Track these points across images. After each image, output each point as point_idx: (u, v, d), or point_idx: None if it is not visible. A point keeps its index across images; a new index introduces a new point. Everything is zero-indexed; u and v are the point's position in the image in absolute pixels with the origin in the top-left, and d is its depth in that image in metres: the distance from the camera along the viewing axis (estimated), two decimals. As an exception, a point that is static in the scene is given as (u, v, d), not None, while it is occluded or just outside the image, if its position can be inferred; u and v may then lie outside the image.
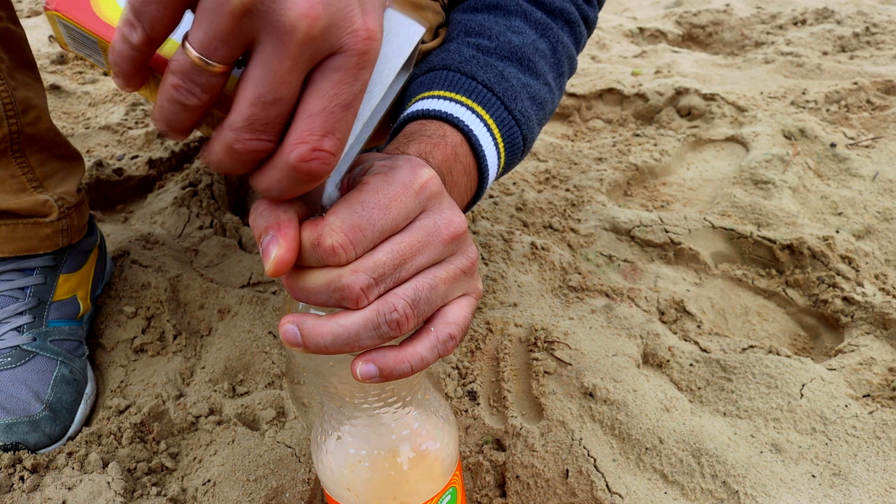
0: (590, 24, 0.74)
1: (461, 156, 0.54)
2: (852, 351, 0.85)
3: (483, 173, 0.58)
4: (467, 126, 0.56)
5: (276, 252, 0.34)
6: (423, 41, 0.37)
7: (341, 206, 0.35)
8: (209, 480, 0.70)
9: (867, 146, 1.31)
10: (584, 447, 0.71)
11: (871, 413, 0.73)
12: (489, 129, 0.58)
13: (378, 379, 0.37)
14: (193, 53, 0.29)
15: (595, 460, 0.70)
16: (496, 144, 0.59)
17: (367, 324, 0.35)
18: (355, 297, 0.35)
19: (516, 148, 0.62)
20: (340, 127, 0.31)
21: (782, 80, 1.64)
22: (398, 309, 0.35)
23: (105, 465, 0.70)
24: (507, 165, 0.63)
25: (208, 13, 0.28)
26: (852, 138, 1.33)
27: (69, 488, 0.67)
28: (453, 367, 0.83)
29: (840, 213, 1.13)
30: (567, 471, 0.70)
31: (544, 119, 0.68)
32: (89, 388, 0.81)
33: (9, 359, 0.76)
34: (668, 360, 0.84)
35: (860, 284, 0.95)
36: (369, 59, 0.30)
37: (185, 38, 0.30)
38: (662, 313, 0.94)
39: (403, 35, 0.36)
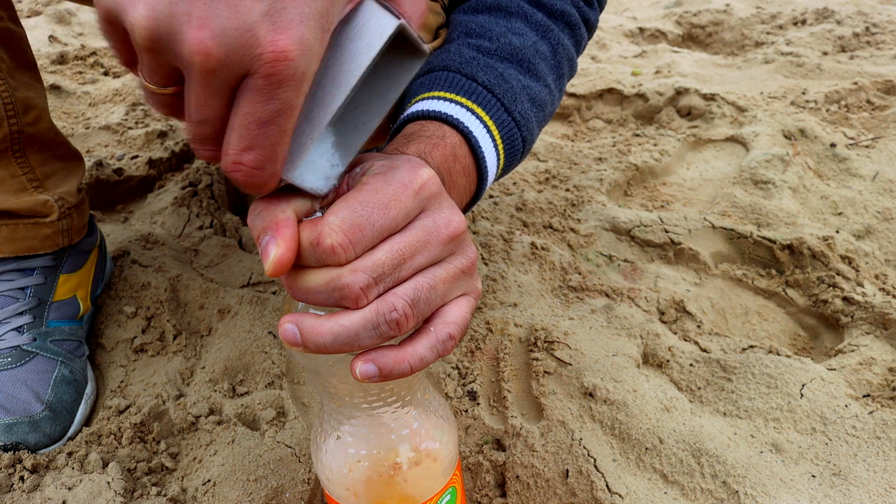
0: (590, 27, 0.74)
1: (460, 157, 0.54)
2: (852, 351, 0.85)
3: (482, 174, 0.58)
4: (467, 127, 0.56)
5: (274, 252, 0.34)
6: (403, 33, 0.35)
7: (340, 205, 0.36)
8: (209, 480, 0.70)
9: (867, 146, 1.31)
10: (584, 447, 0.71)
11: (871, 413, 0.73)
12: (489, 131, 0.58)
13: (377, 378, 0.37)
14: (140, 78, 0.32)
15: (595, 460, 0.70)
16: (495, 146, 0.59)
17: (367, 323, 0.35)
18: (355, 296, 0.35)
19: (515, 149, 0.62)
20: (260, 142, 0.32)
21: (782, 80, 1.64)
22: (398, 308, 0.35)
23: (105, 465, 0.70)
24: (507, 167, 0.63)
25: (134, 47, 0.30)
26: (852, 138, 1.33)
27: (69, 488, 0.67)
28: (453, 367, 0.83)
29: (840, 213, 1.13)
30: (567, 471, 0.70)
31: (544, 121, 0.68)
32: (89, 388, 0.81)
33: (9, 359, 0.76)
34: (668, 360, 0.84)
35: (860, 284, 0.95)
36: (282, 78, 0.30)
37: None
38: (662, 313, 0.94)
39: (374, 31, 0.34)
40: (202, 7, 0.28)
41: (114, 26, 0.30)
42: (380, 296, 0.36)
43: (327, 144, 0.38)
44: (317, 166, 0.37)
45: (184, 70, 0.30)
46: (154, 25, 0.28)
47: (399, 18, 0.34)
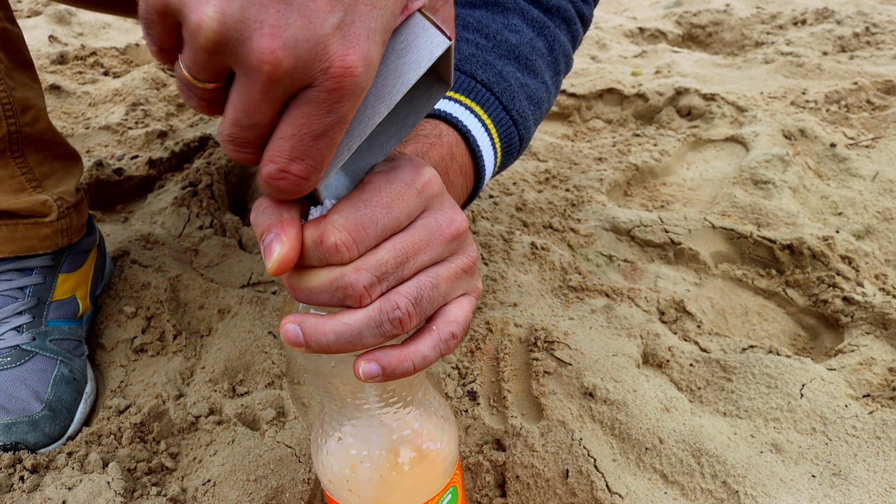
0: (586, 22, 0.74)
1: (457, 155, 0.55)
2: (852, 351, 0.85)
3: (479, 173, 0.58)
4: (465, 126, 0.56)
5: (279, 250, 0.34)
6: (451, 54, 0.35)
7: (344, 204, 0.35)
8: (209, 480, 0.70)
9: (867, 146, 1.31)
10: (584, 447, 0.71)
11: (871, 413, 0.73)
12: (487, 129, 0.58)
13: (381, 378, 0.37)
14: (184, 71, 0.30)
15: (595, 460, 0.70)
16: (493, 144, 0.59)
17: (370, 322, 0.35)
18: (358, 295, 0.35)
19: (512, 148, 0.62)
20: (311, 154, 0.32)
21: (782, 80, 1.64)
22: (401, 307, 0.35)
23: (105, 465, 0.70)
24: (503, 165, 0.63)
25: (187, 43, 0.29)
26: (852, 138, 1.33)
27: (69, 488, 0.67)
28: (453, 367, 0.83)
29: (840, 213, 1.13)
30: (567, 471, 0.69)
31: (540, 118, 0.68)
32: (89, 388, 0.81)
33: (8, 358, 0.76)
34: (668, 360, 0.84)
35: (860, 284, 0.95)
36: (344, 93, 0.30)
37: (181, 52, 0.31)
38: (662, 313, 0.94)
39: (424, 48, 0.33)
40: (275, 15, 0.28)
41: (164, 18, 0.29)
42: (382, 294, 0.36)
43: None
44: (333, 178, 0.37)
45: (243, 74, 0.29)
46: (223, 30, 0.27)
47: (449, 39, 0.33)
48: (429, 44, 0.33)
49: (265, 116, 0.31)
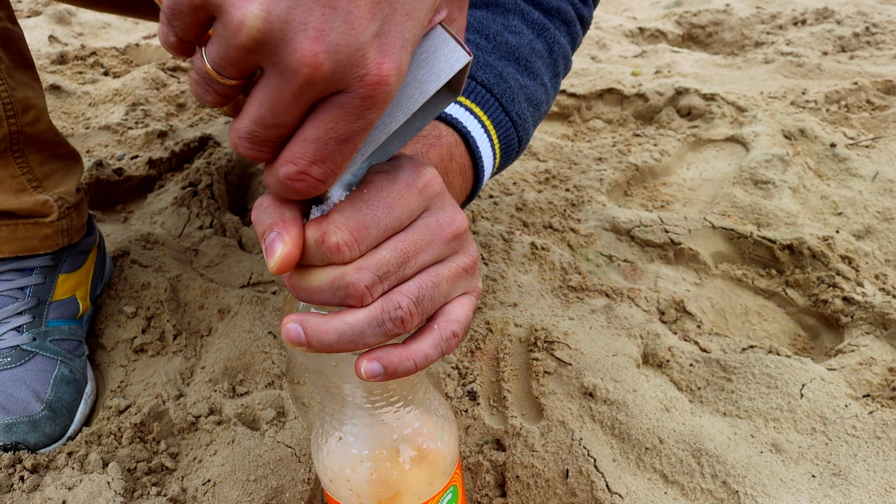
0: (585, 24, 0.74)
1: (457, 156, 0.55)
2: (852, 351, 0.85)
3: (478, 174, 0.58)
4: (465, 127, 0.56)
5: (281, 249, 0.34)
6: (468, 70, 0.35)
7: (346, 204, 0.36)
8: (209, 480, 0.70)
9: (867, 146, 1.31)
10: (584, 447, 0.71)
11: (871, 413, 0.73)
12: (486, 131, 0.58)
13: (382, 377, 0.37)
14: (208, 65, 0.30)
15: (595, 460, 0.70)
16: (492, 145, 0.59)
17: (372, 321, 0.35)
18: (360, 294, 0.35)
19: (511, 149, 0.63)
20: (333, 157, 0.32)
21: (782, 80, 1.64)
22: (402, 306, 0.35)
23: (105, 465, 0.70)
24: (502, 165, 0.63)
25: (221, 38, 0.29)
26: (852, 138, 1.33)
27: (69, 488, 0.67)
28: (453, 367, 0.83)
29: (840, 213, 1.13)
30: (567, 471, 0.69)
31: (539, 119, 0.68)
32: (89, 388, 0.81)
33: (8, 359, 0.76)
34: (668, 360, 0.84)
35: (860, 284, 0.95)
36: (375, 101, 0.30)
37: (204, 46, 0.30)
38: (662, 313, 0.94)
39: (444, 61, 0.34)
40: (320, 18, 0.27)
41: (198, 12, 0.28)
42: (384, 294, 0.36)
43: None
44: (340, 179, 0.38)
45: (277, 74, 0.29)
46: (267, 28, 0.27)
47: (470, 54, 0.34)
48: (449, 57, 0.34)
49: (291, 117, 0.30)
